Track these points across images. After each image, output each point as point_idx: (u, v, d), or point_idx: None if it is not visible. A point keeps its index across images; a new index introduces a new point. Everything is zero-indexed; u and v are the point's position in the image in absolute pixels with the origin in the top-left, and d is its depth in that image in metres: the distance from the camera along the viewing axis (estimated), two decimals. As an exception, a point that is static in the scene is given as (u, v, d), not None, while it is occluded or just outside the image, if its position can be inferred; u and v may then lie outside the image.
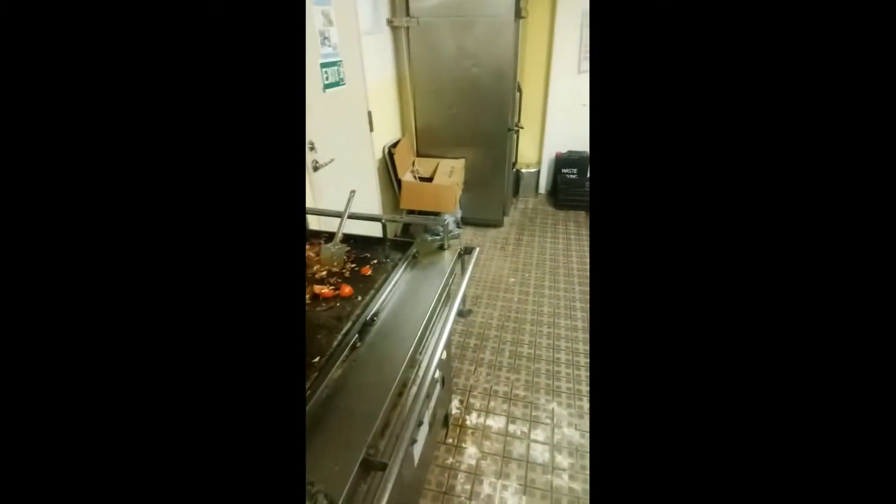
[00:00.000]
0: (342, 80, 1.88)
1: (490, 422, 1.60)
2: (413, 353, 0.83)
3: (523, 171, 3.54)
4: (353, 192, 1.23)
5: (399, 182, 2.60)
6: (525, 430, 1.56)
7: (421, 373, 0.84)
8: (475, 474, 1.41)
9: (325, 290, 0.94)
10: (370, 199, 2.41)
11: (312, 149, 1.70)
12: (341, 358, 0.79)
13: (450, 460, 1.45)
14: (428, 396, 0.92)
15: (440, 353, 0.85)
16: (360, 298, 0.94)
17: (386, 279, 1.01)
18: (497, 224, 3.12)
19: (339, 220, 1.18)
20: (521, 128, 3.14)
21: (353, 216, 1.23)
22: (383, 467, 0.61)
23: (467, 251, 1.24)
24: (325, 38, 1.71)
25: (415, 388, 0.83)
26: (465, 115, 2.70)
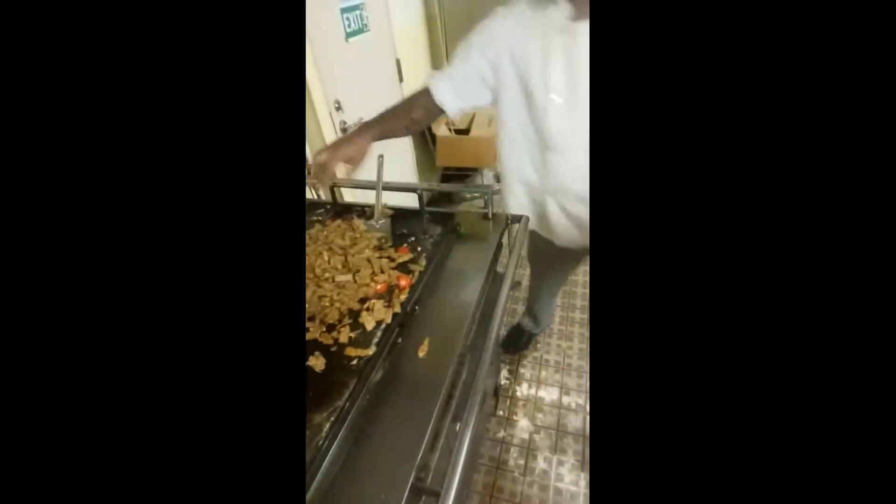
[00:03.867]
0: (366, 26, 1.68)
1: (542, 393, 1.53)
2: (462, 349, 0.74)
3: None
4: (381, 157, 1.09)
5: (433, 137, 2.42)
6: (580, 401, 1.48)
7: (468, 373, 0.75)
8: (529, 448, 1.37)
9: (378, 285, 0.83)
10: (405, 161, 2.26)
11: (339, 108, 1.56)
12: (381, 357, 0.71)
13: (501, 434, 1.41)
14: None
15: (491, 348, 0.75)
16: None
17: (428, 264, 0.89)
18: (541, 176, 2.88)
19: (370, 191, 1.07)
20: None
21: (386, 187, 1.11)
22: (436, 495, 0.53)
23: (515, 219, 1.09)
24: (343, -24, 1.50)
25: (467, 393, 0.74)
26: (504, 55, 2.41)
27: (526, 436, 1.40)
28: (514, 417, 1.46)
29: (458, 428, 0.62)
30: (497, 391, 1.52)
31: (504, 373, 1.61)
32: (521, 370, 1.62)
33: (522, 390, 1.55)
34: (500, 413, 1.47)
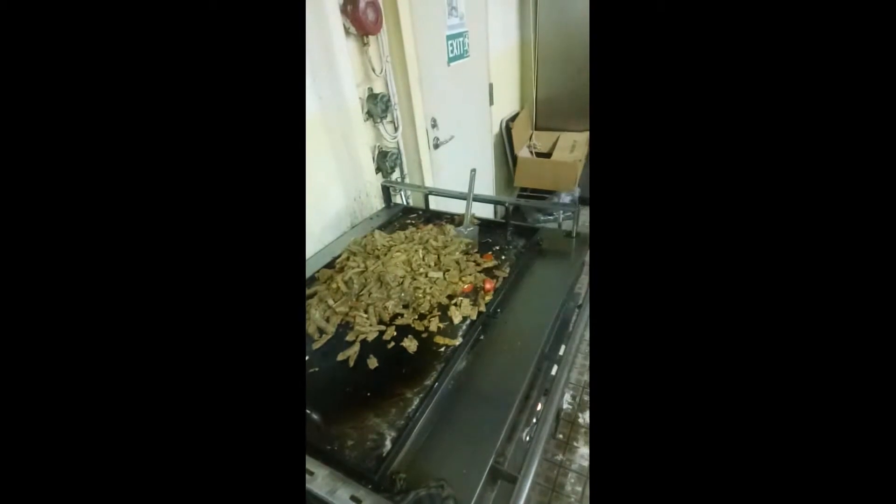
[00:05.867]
0: (466, 51, 1.81)
1: (606, 424, 1.47)
2: (540, 355, 0.77)
3: (657, 143, 3.08)
4: (473, 170, 1.18)
5: (514, 158, 2.48)
6: (647, 440, 1.40)
7: (548, 379, 0.77)
8: (587, 477, 1.32)
9: (465, 285, 0.90)
10: (485, 177, 2.35)
11: (434, 126, 1.69)
12: (465, 350, 0.77)
13: (559, 457, 1.39)
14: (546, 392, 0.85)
15: (572, 359, 0.77)
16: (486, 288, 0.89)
17: (511, 272, 0.95)
18: (621, 205, 2.80)
19: (459, 201, 1.15)
20: (661, 93, 2.70)
21: (475, 198, 1.19)
22: (513, 480, 0.57)
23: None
24: (453, 7, 1.64)
25: (544, 397, 0.76)
26: (593, 82, 2.43)
27: (585, 463, 1.36)
28: (575, 444, 1.42)
29: (534, 427, 0.65)
30: (559, 414, 1.49)
31: (567, 397, 1.58)
32: (586, 397, 1.58)
33: (585, 418, 1.50)
34: (560, 437, 1.45)
